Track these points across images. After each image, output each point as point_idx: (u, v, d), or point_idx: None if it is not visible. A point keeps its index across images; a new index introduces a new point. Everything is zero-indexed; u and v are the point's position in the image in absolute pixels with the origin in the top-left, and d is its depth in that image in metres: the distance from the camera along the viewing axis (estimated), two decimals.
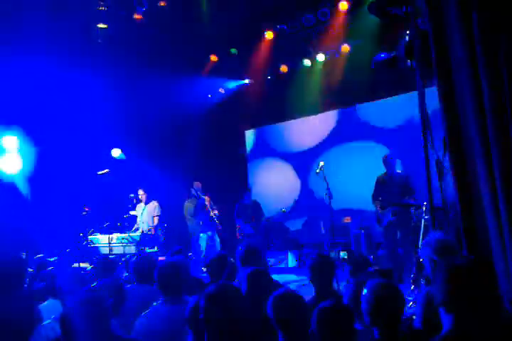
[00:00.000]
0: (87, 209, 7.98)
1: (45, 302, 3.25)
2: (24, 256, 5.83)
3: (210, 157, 11.09)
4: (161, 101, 9.93)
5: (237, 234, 8.44)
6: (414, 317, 2.68)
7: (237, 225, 8.50)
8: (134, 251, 7.21)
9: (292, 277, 7.51)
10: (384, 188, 6.62)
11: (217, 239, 8.47)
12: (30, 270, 4.41)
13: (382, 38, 7.85)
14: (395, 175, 6.66)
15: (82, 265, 6.91)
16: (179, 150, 10.83)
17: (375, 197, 6.75)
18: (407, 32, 4.74)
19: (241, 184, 11.47)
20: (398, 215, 6.38)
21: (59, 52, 7.82)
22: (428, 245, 3.08)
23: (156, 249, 7.52)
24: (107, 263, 4.47)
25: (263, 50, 9.56)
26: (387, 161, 6.67)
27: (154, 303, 2.94)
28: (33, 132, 8.50)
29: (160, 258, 6.25)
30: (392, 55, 4.13)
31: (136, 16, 7.98)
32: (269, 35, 9.23)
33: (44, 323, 2.62)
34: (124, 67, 8.89)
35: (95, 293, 2.49)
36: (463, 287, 1.79)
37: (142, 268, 3.63)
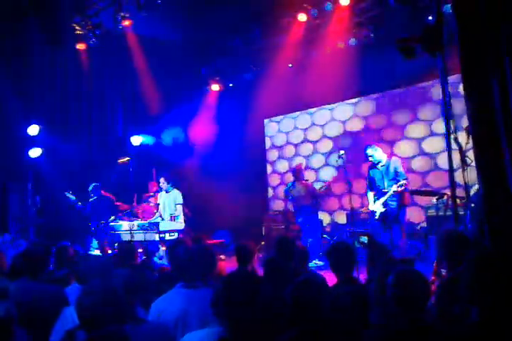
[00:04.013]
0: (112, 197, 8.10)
1: (70, 286, 3.31)
2: None
3: (228, 146, 11.11)
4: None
5: None
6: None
7: None
8: (154, 238, 7.28)
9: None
10: (374, 178, 6.58)
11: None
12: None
13: (405, 26, 7.72)
14: (377, 163, 6.56)
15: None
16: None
17: (369, 189, 6.74)
18: (431, 17, 4.64)
19: (259, 173, 11.48)
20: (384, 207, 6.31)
21: None
22: (443, 237, 3.06)
23: (176, 235, 7.59)
24: (127, 250, 4.50)
25: (282, 39, 9.46)
26: (366, 151, 6.60)
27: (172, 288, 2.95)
28: (52, 120, 8.63)
29: None
30: (415, 41, 4.05)
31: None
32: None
33: (70, 306, 2.66)
34: None
35: (114, 279, 2.52)
36: (488, 278, 1.77)
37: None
